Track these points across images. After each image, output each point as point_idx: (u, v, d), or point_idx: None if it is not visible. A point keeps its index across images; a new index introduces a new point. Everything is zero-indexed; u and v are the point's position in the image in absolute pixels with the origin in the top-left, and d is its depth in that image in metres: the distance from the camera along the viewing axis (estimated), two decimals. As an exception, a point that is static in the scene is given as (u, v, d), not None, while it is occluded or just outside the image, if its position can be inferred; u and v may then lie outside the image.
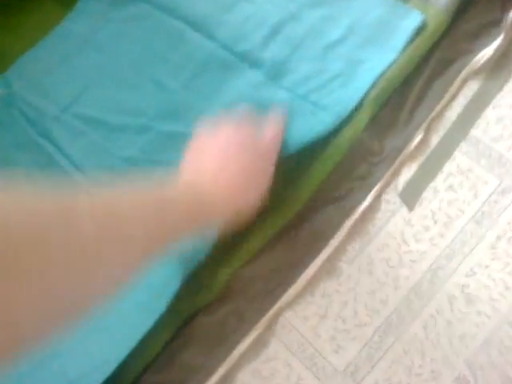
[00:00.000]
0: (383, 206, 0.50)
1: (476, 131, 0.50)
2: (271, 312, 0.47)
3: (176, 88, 0.54)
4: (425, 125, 0.50)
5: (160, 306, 0.44)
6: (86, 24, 0.60)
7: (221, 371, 0.46)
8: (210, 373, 0.46)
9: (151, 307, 0.44)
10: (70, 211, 0.23)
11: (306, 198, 0.50)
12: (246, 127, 0.44)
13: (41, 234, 0.21)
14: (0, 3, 0.63)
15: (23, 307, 0.20)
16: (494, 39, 0.50)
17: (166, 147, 0.51)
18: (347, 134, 0.50)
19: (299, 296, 0.48)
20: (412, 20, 0.49)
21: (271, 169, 0.43)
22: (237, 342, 0.46)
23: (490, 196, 0.48)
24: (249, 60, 0.53)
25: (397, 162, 0.50)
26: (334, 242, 0.48)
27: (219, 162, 0.40)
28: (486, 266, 0.46)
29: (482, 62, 0.50)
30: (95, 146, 0.53)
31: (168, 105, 0.53)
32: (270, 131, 0.45)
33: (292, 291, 0.48)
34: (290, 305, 0.48)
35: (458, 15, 0.52)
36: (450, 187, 0.49)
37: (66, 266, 0.22)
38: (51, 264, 0.21)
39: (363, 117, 0.51)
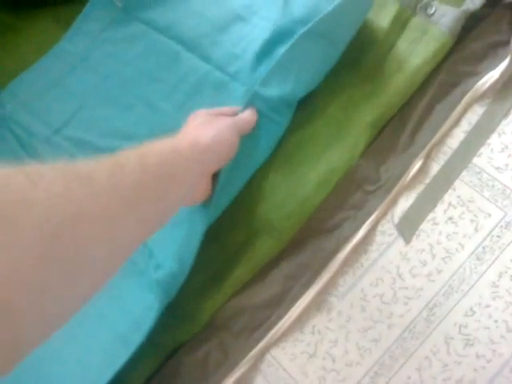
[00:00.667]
0: (378, 237, 0.47)
1: (479, 160, 0.47)
2: (257, 348, 0.45)
3: (168, 109, 0.53)
4: (425, 152, 0.48)
5: (138, 336, 0.42)
6: (82, 44, 0.59)
7: (203, 410, 0.44)
8: (192, 411, 0.44)
9: (129, 338, 0.43)
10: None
11: (297, 227, 0.47)
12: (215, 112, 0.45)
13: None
14: None
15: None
16: (501, 61, 0.47)
17: None
18: (342, 159, 0.48)
19: (287, 332, 0.46)
20: None
21: (228, 126, 0.42)
22: (220, 380, 0.44)
23: (492, 230, 0.45)
24: (241, 79, 0.51)
25: (394, 191, 0.47)
26: (325, 276, 0.46)
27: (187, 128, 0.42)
28: (487, 306, 0.44)
29: (487, 85, 0.47)
30: None
31: (160, 126, 0.52)
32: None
33: (280, 327, 0.45)
34: (277, 341, 0.46)
35: (462, 35, 0.49)
36: (450, 219, 0.46)
37: None
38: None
39: (360, 141, 0.48)
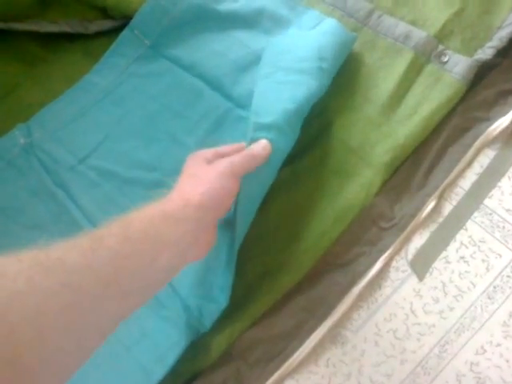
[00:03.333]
0: (392, 273, 0.49)
1: (490, 201, 0.49)
2: (272, 379, 0.46)
3: (191, 144, 0.55)
4: (438, 192, 0.49)
5: (162, 371, 0.43)
6: (109, 77, 0.61)
7: None
8: None
9: (153, 371, 0.44)
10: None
11: (314, 261, 0.49)
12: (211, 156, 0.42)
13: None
14: (28, 53, 0.65)
15: None
16: (511, 108, 0.50)
17: None
18: (359, 197, 0.50)
19: (302, 364, 0.47)
20: None
21: (222, 176, 0.39)
22: (235, 410, 0.45)
23: (503, 270, 0.47)
24: None
25: (408, 229, 0.49)
26: (340, 309, 0.47)
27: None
28: (498, 345, 0.45)
29: (498, 130, 0.50)
30: (108, 199, 0.54)
31: (183, 160, 0.54)
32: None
33: (294, 359, 0.46)
34: (291, 373, 0.47)
35: (474, 83, 0.52)
36: (462, 258, 0.48)
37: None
38: None
39: (376, 180, 0.50)
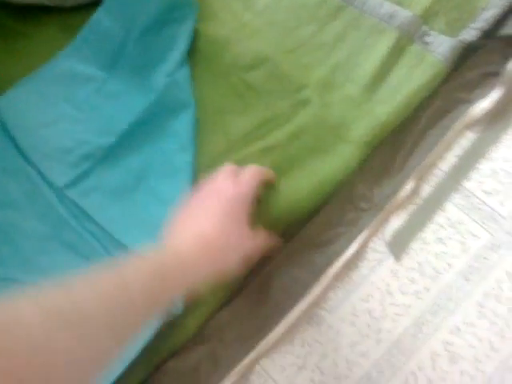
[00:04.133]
0: (369, 254, 0.49)
1: (469, 183, 0.49)
2: (247, 359, 0.46)
3: None
4: (417, 174, 0.49)
5: (133, 350, 0.43)
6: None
7: (192, 419, 0.44)
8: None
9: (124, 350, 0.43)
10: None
11: (282, 227, 0.48)
12: (225, 182, 0.42)
13: None
14: (3, 26, 0.63)
15: None
16: (492, 90, 0.50)
17: None
18: (336, 172, 0.49)
19: (278, 344, 0.47)
20: None
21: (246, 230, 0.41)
22: (210, 389, 0.45)
23: (479, 251, 0.47)
24: None
25: (386, 210, 0.49)
26: (316, 289, 0.47)
27: (201, 224, 0.39)
28: (472, 324, 0.45)
29: (478, 113, 0.49)
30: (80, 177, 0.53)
31: None
32: (244, 180, 0.43)
33: (270, 338, 0.46)
34: (267, 352, 0.46)
35: (458, 64, 0.52)
36: (439, 239, 0.48)
37: None
38: None
39: (354, 157, 0.50)
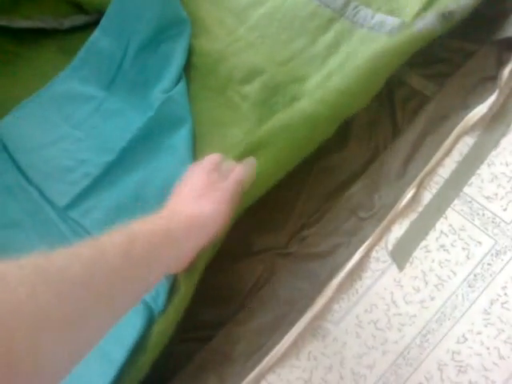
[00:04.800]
0: (372, 264, 0.48)
1: (470, 189, 0.49)
2: (253, 374, 0.45)
3: None
4: (417, 181, 0.49)
5: (121, 352, 0.42)
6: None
7: None
8: None
9: (113, 353, 0.43)
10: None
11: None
12: (212, 171, 0.43)
13: None
14: (1, 50, 0.64)
15: None
16: (489, 95, 0.49)
17: None
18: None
19: (283, 358, 0.46)
20: None
21: (227, 199, 0.41)
22: (216, 406, 0.44)
23: (483, 258, 0.46)
24: None
25: (387, 219, 0.49)
26: (320, 301, 0.47)
27: (182, 194, 0.41)
28: (479, 333, 0.44)
29: (476, 118, 0.49)
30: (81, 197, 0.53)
31: None
32: (233, 174, 0.43)
33: (275, 353, 0.46)
34: (273, 367, 0.46)
35: (453, 70, 0.52)
36: (442, 247, 0.47)
37: None
38: None
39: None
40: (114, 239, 0.30)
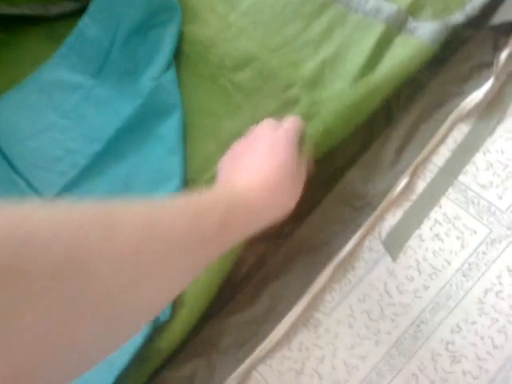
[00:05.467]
0: (365, 254, 0.47)
1: (465, 177, 0.48)
2: (244, 366, 0.44)
3: None
4: (411, 169, 0.48)
5: (123, 362, 0.42)
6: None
7: (188, 429, 0.43)
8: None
9: (114, 363, 0.42)
10: (109, 218, 0.21)
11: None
12: (266, 126, 0.42)
13: (80, 248, 0.19)
14: None
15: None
16: (485, 82, 0.48)
17: None
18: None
19: (274, 349, 0.45)
20: None
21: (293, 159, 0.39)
22: (206, 398, 0.44)
23: (478, 246, 0.46)
24: None
25: (380, 208, 0.48)
26: (312, 291, 0.46)
27: (252, 161, 0.38)
28: (473, 322, 0.44)
29: (471, 105, 0.48)
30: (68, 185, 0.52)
31: None
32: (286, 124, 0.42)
33: (267, 344, 0.45)
34: (264, 358, 0.45)
35: (448, 57, 0.50)
36: (437, 236, 0.47)
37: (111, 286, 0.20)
38: (95, 285, 0.20)
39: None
40: (213, 201, 0.29)
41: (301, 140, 0.42)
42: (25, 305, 0.17)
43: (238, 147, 0.41)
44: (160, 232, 0.24)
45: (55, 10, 0.63)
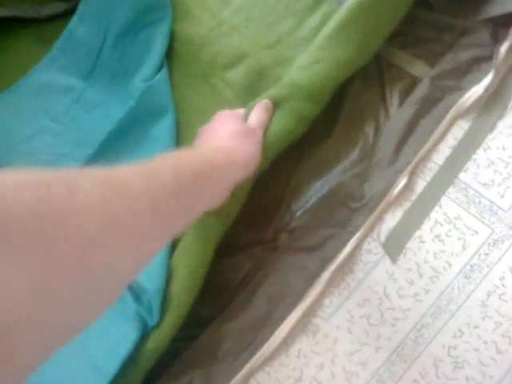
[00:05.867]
0: (364, 256, 0.46)
1: (465, 176, 0.46)
2: (241, 373, 0.43)
3: None
4: (410, 168, 0.47)
5: (113, 368, 0.41)
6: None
7: None
8: None
9: (105, 369, 0.41)
10: (69, 178, 0.23)
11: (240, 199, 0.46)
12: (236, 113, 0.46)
13: (43, 203, 0.20)
14: None
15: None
16: (485, 76, 0.47)
17: None
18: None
19: (272, 356, 0.44)
20: None
21: (260, 143, 0.44)
22: (203, 407, 0.43)
23: (480, 247, 0.44)
24: None
25: (379, 208, 0.46)
26: (310, 296, 0.45)
27: (218, 134, 0.43)
28: (476, 326, 0.42)
29: (471, 100, 0.47)
30: None
31: None
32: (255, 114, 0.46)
33: (264, 350, 0.44)
34: (262, 366, 0.44)
35: (445, 50, 0.49)
36: (437, 237, 0.45)
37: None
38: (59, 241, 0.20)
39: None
40: (165, 162, 0.31)
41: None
42: (7, 257, 0.18)
43: (233, 125, 0.44)
44: (117, 187, 0.25)
45: (46, 11, 0.62)
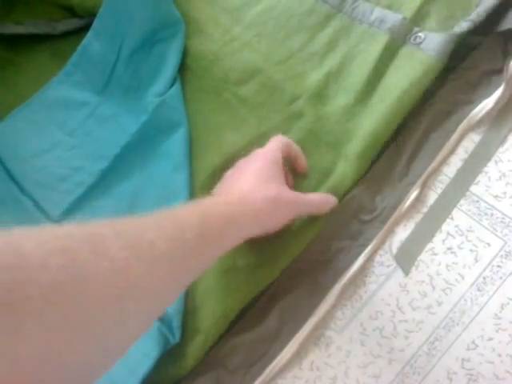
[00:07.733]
0: (376, 268, 0.46)
1: (477, 188, 0.46)
2: (254, 386, 0.43)
3: None
4: (421, 180, 0.47)
5: (133, 383, 0.41)
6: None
7: None
8: None
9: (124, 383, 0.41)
10: (95, 242, 0.23)
11: (290, 258, 0.46)
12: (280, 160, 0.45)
13: (66, 273, 0.20)
14: None
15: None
16: (495, 89, 0.47)
17: None
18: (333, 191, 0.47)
19: (285, 368, 0.44)
20: None
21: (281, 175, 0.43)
22: (215, 421, 0.43)
23: (492, 259, 0.44)
24: None
25: (390, 221, 0.47)
26: (323, 308, 0.45)
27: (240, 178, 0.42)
28: (490, 339, 0.42)
29: (482, 113, 0.47)
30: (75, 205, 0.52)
31: None
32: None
33: (277, 363, 0.44)
34: (274, 378, 0.44)
35: (455, 62, 0.49)
36: (449, 249, 0.45)
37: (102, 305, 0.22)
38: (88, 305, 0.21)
39: (347, 174, 0.48)
40: (192, 219, 0.31)
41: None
42: (25, 328, 0.18)
43: (239, 164, 0.44)
44: (142, 250, 0.25)
45: (61, 27, 0.63)
